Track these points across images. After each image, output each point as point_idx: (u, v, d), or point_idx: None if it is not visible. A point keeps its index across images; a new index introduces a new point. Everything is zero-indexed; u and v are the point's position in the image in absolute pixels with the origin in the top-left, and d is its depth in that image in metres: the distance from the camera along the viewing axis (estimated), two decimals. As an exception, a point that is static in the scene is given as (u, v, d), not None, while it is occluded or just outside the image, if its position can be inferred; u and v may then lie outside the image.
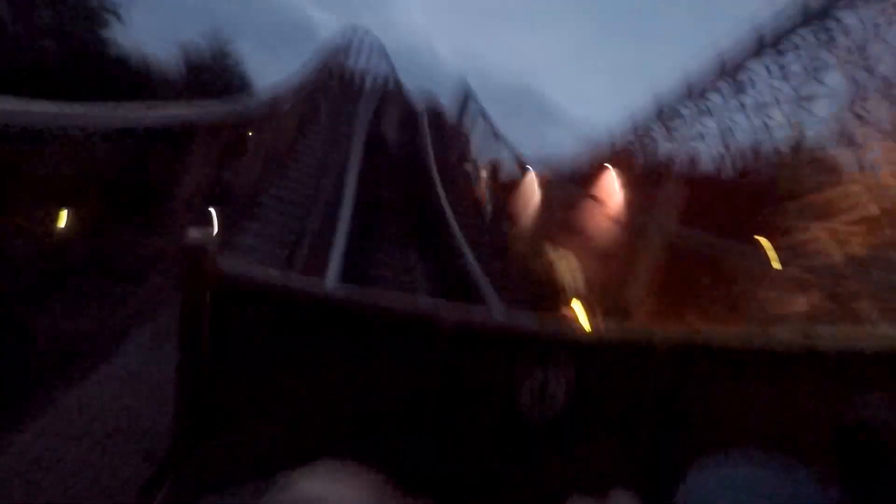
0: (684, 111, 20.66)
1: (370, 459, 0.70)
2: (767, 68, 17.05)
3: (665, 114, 21.70)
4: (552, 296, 8.90)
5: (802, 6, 16.40)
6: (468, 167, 16.45)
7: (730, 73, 18.85)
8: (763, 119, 16.44)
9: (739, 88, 17.97)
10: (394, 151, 16.43)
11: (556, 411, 1.10)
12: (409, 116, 19.49)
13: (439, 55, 60.81)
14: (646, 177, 12.93)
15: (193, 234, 1.01)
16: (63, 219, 6.80)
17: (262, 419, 1.05)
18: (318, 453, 0.66)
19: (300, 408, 1.07)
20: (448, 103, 16.70)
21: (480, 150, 15.82)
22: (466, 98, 12.59)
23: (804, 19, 16.51)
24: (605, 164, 15.18)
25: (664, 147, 21.57)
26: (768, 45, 17.49)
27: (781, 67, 16.79)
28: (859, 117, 12.44)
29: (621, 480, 0.99)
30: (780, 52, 16.86)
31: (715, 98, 19.22)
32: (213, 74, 20.44)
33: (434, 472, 1.06)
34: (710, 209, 10.65)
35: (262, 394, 1.05)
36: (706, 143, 19.25)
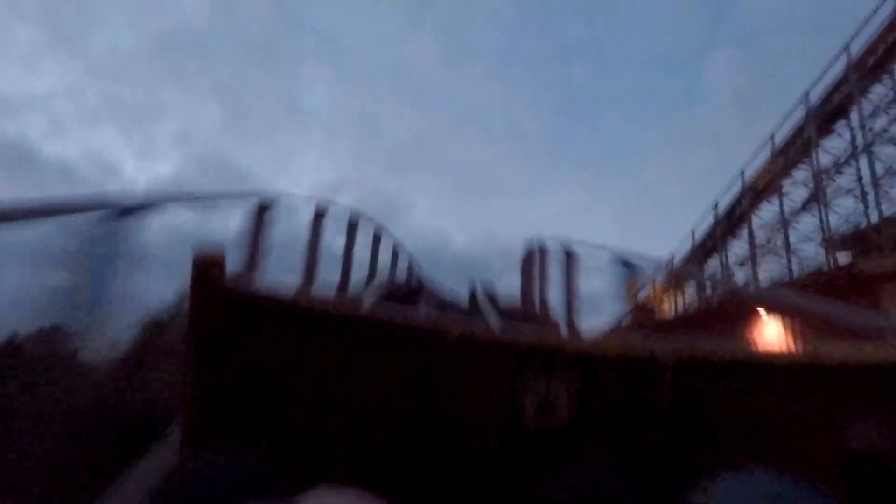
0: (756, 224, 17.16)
1: (373, 478, 0.70)
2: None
3: (726, 231, 18.28)
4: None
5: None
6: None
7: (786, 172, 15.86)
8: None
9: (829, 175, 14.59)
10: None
11: (560, 423, 1.09)
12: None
13: (458, 246, 63.44)
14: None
15: (203, 247, 1.01)
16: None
17: (268, 435, 1.03)
18: (321, 473, 0.67)
19: (303, 423, 1.06)
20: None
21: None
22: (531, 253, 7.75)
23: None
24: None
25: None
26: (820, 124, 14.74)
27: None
28: None
29: (625, 495, 0.94)
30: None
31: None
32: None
33: (436, 486, 1.06)
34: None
35: (268, 408, 1.04)
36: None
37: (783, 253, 16.25)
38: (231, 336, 0.98)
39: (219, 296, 0.95)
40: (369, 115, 69.19)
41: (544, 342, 1.13)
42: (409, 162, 72.93)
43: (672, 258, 20.41)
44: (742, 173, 17.38)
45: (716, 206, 18.43)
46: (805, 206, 15.50)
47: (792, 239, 15.80)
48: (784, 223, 15.80)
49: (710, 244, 19.07)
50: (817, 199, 15.20)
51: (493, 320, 6.89)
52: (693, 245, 19.30)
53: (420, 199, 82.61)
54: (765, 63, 52.86)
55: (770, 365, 1.15)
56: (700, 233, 19.20)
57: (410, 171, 74.16)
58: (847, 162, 14.27)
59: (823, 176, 14.55)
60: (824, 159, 14.74)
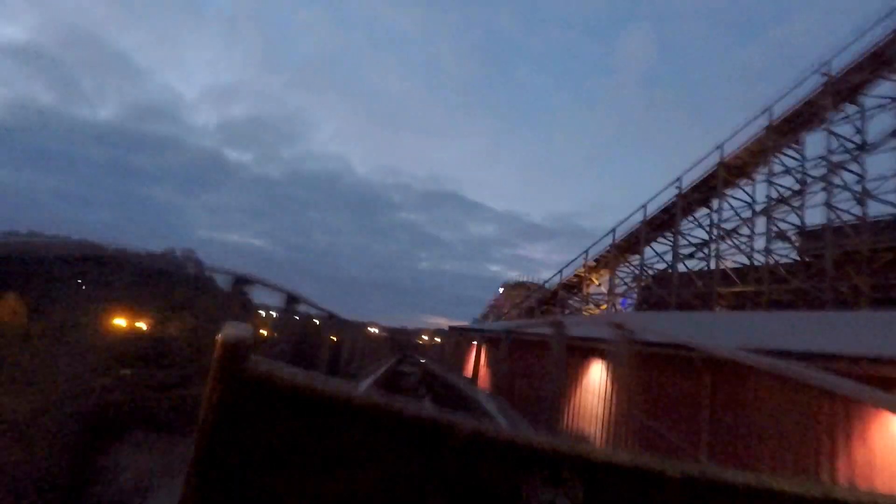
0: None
1: None
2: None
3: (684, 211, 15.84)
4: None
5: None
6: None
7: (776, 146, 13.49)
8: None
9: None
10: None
11: None
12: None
13: (359, 175, 59.89)
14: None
15: (230, 328, 1.01)
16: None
17: None
18: None
19: None
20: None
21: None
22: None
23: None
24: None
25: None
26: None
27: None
28: None
29: None
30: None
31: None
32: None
33: None
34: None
35: (276, 496, 1.05)
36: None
37: (750, 245, 14.04)
38: (251, 419, 1.00)
39: (242, 380, 0.97)
40: (277, 22, 60.08)
41: (551, 449, 1.13)
42: (317, 80, 65.16)
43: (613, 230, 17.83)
44: (721, 147, 14.76)
45: (679, 181, 15.81)
46: (789, 197, 13.21)
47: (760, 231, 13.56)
48: (768, 210, 13.43)
49: (662, 220, 16.61)
50: (802, 190, 13.00)
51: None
52: (644, 218, 16.71)
53: (325, 120, 75.39)
54: (674, 44, 54.53)
55: (781, 495, 1.18)
56: (654, 207, 16.62)
57: (318, 90, 66.60)
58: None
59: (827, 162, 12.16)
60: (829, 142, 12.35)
